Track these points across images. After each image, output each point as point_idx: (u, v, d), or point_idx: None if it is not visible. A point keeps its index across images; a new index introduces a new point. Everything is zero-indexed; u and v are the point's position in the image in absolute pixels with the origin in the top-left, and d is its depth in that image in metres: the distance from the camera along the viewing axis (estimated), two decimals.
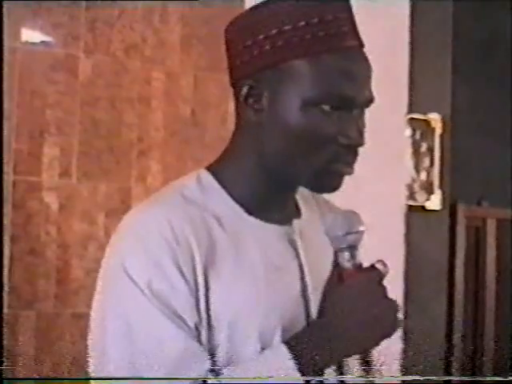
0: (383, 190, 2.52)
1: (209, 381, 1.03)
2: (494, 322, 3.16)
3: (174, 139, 2.64)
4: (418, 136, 2.89)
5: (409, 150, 2.87)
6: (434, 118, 2.90)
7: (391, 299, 1.06)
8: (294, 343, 1.04)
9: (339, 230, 1.07)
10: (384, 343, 1.07)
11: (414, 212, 2.82)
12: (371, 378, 1.06)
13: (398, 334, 1.08)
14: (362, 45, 1.12)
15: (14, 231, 2.37)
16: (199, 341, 1.05)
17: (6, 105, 2.16)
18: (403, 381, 1.14)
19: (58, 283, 2.44)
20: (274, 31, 1.09)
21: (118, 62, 2.57)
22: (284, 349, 1.04)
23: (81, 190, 2.51)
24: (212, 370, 1.04)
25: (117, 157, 2.56)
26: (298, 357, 1.03)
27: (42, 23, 2.49)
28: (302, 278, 1.15)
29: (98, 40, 2.55)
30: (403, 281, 2.69)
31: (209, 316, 1.06)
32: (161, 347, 1.03)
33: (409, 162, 2.87)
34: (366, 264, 1.08)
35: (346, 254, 1.07)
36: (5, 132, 1.82)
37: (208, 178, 1.15)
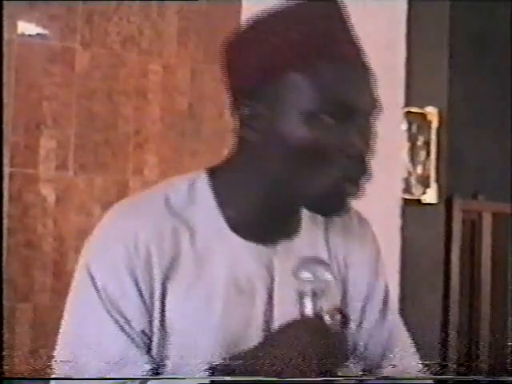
0: (379, 183, 2.52)
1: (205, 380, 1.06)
2: (489, 316, 3.17)
3: (170, 132, 2.64)
4: (414, 129, 2.89)
5: (405, 144, 2.87)
6: (431, 112, 2.90)
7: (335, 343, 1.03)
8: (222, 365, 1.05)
9: (304, 274, 1.05)
10: None
11: (410, 205, 2.82)
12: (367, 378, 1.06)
13: None
14: (359, 52, 1.09)
15: (10, 224, 2.37)
16: (144, 346, 1.07)
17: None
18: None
19: (55, 276, 2.44)
20: (268, 47, 1.07)
21: (115, 55, 2.57)
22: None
23: (77, 182, 2.50)
24: (155, 374, 1.07)
25: (113, 149, 2.56)
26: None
27: (39, 15, 2.48)
28: (270, 305, 1.13)
29: (95, 32, 2.54)
30: (399, 274, 2.70)
31: (162, 324, 1.08)
32: (102, 346, 1.06)
33: (405, 155, 2.87)
34: None
35: (306, 300, 1.04)
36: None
37: (204, 185, 1.15)
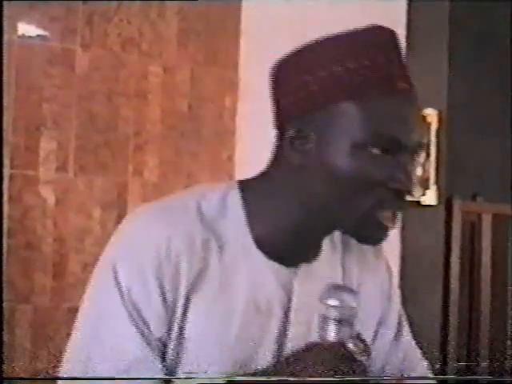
0: None
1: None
2: (489, 317, 3.17)
3: (170, 133, 2.64)
4: None
5: None
6: (430, 114, 2.91)
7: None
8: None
9: (331, 300, 1.05)
10: None
11: (410, 207, 2.83)
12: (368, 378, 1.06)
13: None
14: (412, 88, 1.09)
15: (10, 225, 2.37)
16: (162, 354, 1.07)
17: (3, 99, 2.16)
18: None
19: (55, 277, 2.44)
20: (323, 73, 1.06)
21: (115, 56, 2.57)
22: None
23: (77, 183, 2.51)
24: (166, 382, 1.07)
25: (113, 151, 2.56)
26: None
27: (39, 17, 2.48)
28: (285, 325, 1.13)
29: (95, 34, 2.55)
30: (399, 275, 2.70)
31: (181, 334, 1.08)
32: (118, 348, 1.05)
33: None
34: None
35: (330, 326, 1.05)
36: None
37: (236, 199, 1.14)
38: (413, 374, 1.25)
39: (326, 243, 1.19)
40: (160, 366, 1.06)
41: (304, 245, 1.15)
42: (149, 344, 1.06)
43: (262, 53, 2.42)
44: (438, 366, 1.30)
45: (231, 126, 2.67)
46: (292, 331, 1.13)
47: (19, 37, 2.44)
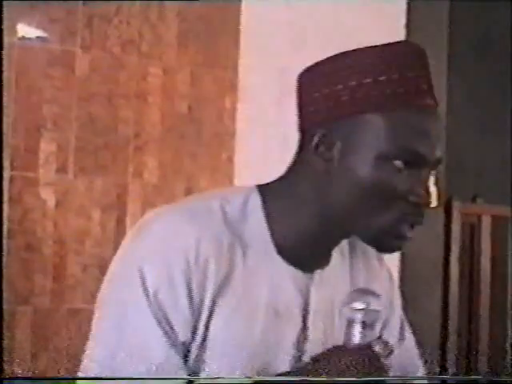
0: None
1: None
2: (488, 319, 3.17)
3: (170, 135, 2.65)
4: None
5: None
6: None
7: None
8: None
9: (356, 303, 1.08)
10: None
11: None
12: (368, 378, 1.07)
13: None
14: (437, 104, 1.12)
15: (10, 226, 2.37)
16: (185, 357, 1.07)
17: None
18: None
19: (55, 279, 2.44)
20: (353, 82, 1.08)
21: (115, 58, 2.58)
22: None
23: (77, 185, 2.51)
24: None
25: (113, 152, 2.56)
26: None
27: (39, 18, 2.49)
28: (304, 330, 1.15)
29: (95, 36, 2.55)
30: (398, 277, 2.70)
31: (204, 338, 1.08)
32: (143, 350, 1.05)
33: None
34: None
35: (356, 329, 1.07)
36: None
37: (256, 203, 1.15)
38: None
39: (335, 250, 1.20)
40: (184, 369, 1.06)
41: (321, 251, 1.17)
42: (174, 347, 1.05)
43: (261, 54, 2.42)
44: (437, 370, 1.31)
45: (231, 128, 2.68)
46: (310, 336, 1.14)
47: (19, 38, 2.44)
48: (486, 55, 3.28)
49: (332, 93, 1.09)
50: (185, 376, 1.06)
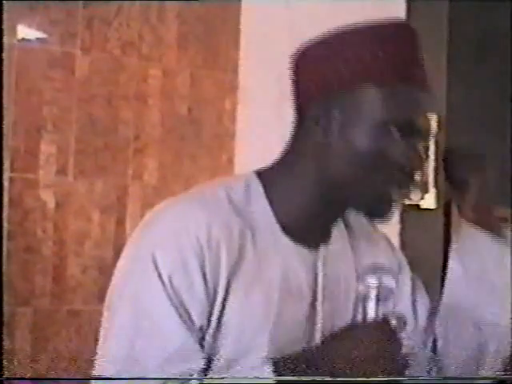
0: None
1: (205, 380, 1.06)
2: None
3: (170, 136, 2.65)
4: None
5: None
6: (429, 117, 2.91)
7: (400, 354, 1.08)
8: (284, 363, 1.07)
9: (370, 279, 1.10)
10: None
11: (409, 211, 2.82)
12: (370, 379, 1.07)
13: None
14: (428, 79, 1.18)
15: (10, 228, 2.37)
16: (200, 342, 1.08)
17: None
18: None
19: (55, 280, 2.44)
20: (352, 57, 1.13)
21: (115, 60, 2.58)
22: (268, 369, 1.06)
23: (77, 187, 2.51)
24: (204, 370, 1.07)
25: (113, 154, 2.56)
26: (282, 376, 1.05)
27: (39, 20, 2.49)
28: (314, 306, 1.17)
29: (95, 37, 2.55)
30: None
31: (219, 322, 1.09)
32: (161, 336, 1.06)
33: None
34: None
35: (371, 305, 1.09)
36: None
37: (257, 187, 1.18)
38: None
39: (333, 228, 1.24)
40: (202, 353, 1.07)
41: (322, 226, 1.20)
42: (191, 332, 1.06)
43: (261, 55, 2.42)
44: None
45: (231, 129, 2.68)
46: (320, 310, 1.17)
47: (19, 40, 2.44)
48: (485, 55, 3.29)
49: (331, 66, 1.14)
50: (185, 376, 1.06)
